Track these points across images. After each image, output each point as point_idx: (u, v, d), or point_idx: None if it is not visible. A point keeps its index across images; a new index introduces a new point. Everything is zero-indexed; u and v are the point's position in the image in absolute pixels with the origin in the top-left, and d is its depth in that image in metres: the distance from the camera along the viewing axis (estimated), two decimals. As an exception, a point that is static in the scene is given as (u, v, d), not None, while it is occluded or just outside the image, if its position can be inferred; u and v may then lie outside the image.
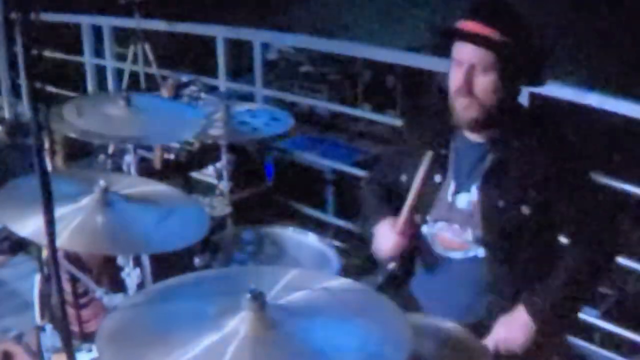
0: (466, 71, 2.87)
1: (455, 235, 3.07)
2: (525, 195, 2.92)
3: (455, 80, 2.92)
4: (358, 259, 4.63)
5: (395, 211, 3.18)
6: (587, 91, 4.37)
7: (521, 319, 2.90)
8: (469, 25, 2.86)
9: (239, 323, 2.08)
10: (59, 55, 8.03)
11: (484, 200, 2.99)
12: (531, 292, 2.93)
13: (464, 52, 2.89)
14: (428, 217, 3.13)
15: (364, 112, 8.85)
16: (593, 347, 4.43)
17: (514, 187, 2.93)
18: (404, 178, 3.19)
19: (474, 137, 3.05)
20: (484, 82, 2.87)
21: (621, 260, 4.22)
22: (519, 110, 3.08)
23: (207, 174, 5.38)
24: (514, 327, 2.91)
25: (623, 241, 3.42)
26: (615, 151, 8.07)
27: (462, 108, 2.93)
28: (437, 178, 3.10)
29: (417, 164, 3.10)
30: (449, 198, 3.08)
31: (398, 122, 5.38)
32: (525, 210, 2.91)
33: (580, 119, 4.91)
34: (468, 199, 3.04)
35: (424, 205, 3.12)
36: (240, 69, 7.64)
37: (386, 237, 3.13)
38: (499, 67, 2.84)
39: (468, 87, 2.88)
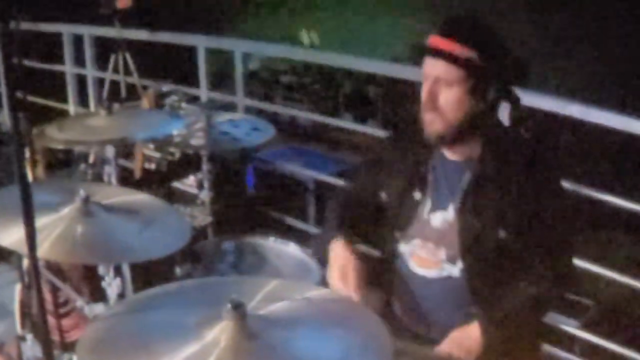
0: (431, 85, 2.88)
1: (429, 254, 3.05)
2: (503, 219, 2.90)
3: (423, 95, 2.93)
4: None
5: (364, 227, 3.19)
6: (569, 102, 4.39)
7: (473, 333, 2.86)
8: (435, 40, 2.87)
9: (220, 333, 2.08)
10: (39, 64, 8.01)
11: (460, 222, 2.98)
12: (487, 309, 2.92)
13: (429, 67, 2.90)
14: (405, 234, 3.12)
15: (345, 122, 8.86)
16: (574, 358, 4.44)
17: (491, 210, 2.92)
18: (383, 196, 3.19)
19: (452, 155, 3.05)
20: (448, 96, 2.87)
21: (602, 270, 4.24)
22: (497, 128, 3.04)
23: (188, 184, 5.37)
24: (464, 340, 2.89)
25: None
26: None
27: (428, 123, 2.93)
28: (416, 195, 3.09)
29: (398, 182, 3.11)
30: (425, 216, 3.07)
31: (379, 132, 5.38)
32: (502, 234, 2.89)
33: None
34: (443, 217, 3.02)
35: (402, 222, 3.12)
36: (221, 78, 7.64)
37: (340, 281, 2.97)
38: (464, 82, 2.84)
39: (433, 101, 2.89)
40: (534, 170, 2.92)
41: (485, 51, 2.84)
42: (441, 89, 2.87)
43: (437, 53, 2.86)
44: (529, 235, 2.90)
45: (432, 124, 2.92)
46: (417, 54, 2.97)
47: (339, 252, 3.04)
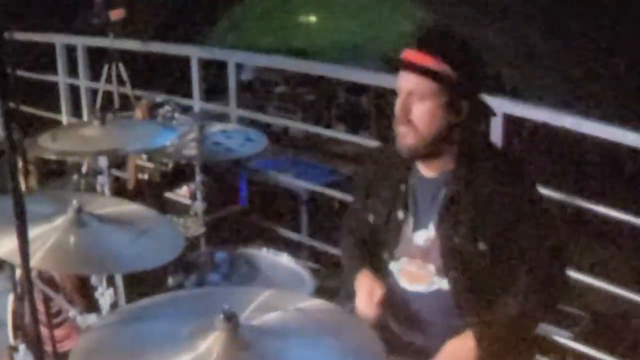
0: (404, 98, 2.90)
1: (418, 269, 3.06)
2: (481, 232, 2.90)
3: (396, 108, 2.94)
4: (332, 280, 4.63)
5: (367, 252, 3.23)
6: (562, 113, 4.40)
7: (467, 344, 2.86)
8: (408, 54, 2.88)
9: (212, 343, 2.08)
10: (32, 74, 8.01)
11: (440, 237, 2.98)
12: (482, 318, 2.92)
13: (403, 80, 2.91)
14: (392, 254, 3.13)
15: (338, 133, 8.85)
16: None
17: (469, 224, 2.92)
18: (371, 219, 3.20)
19: (427, 172, 3.05)
20: (421, 110, 2.87)
21: (594, 281, 4.24)
22: (471, 141, 3.03)
23: (181, 195, 5.37)
24: (459, 351, 2.89)
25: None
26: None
27: (401, 136, 2.94)
28: (400, 214, 3.09)
29: (382, 202, 3.14)
30: (409, 234, 3.08)
31: (372, 143, 5.39)
32: (482, 246, 2.89)
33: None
34: (426, 235, 3.03)
35: (389, 242, 3.13)
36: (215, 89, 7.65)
37: (366, 304, 3.06)
38: (437, 96, 2.85)
39: (405, 115, 2.90)
40: (508, 181, 2.93)
41: (459, 64, 2.85)
42: (414, 103, 2.88)
43: (410, 67, 2.87)
44: (509, 245, 2.91)
45: (405, 137, 2.93)
46: (392, 67, 3.00)
47: (367, 280, 3.10)
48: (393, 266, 3.13)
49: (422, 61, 2.83)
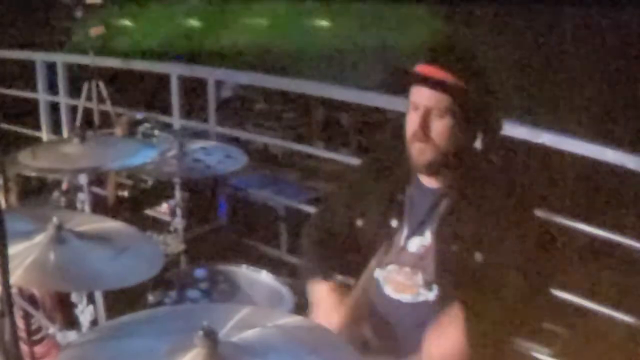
0: (422, 115, 2.89)
1: (406, 279, 3.06)
2: (479, 242, 2.91)
3: (411, 124, 2.93)
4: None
5: (338, 256, 3.21)
6: (542, 130, 4.43)
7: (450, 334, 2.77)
8: (425, 69, 2.88)
9: (192, 360, 2.09)
10: (12, 91, 8.00)
11: (437, 245, 2.99)
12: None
13: (421, 96, 2.90)
14: (381, 261, 3.12)
15: (318, 150, 8.87)
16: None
17: (468, 233, 2.92)
18: (359, 223, 3.20)
19: (429, 182, 3.06)
20: (440, 126, 2.88)
21: (573, 298, 4.26)
22: (474, 155, 3.06)
23: (160, 211, 5.37)
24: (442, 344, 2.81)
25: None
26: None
27: (418, 152, 2.94)
28: (393, 223, 3.10)
29: (374, 210, 3.13)
30: (402, 242, 3.08)
31: (352, 160, 5.40)
32: (479, 257, 2.90)
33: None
34: (420, 242, 3.04)
35: (380, 250, 3.12)
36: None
37: (327, 315, 3.02)
38: (455, 111, 2.86)
39: (424, 131, 2.89)
40: (508, 195, 2.95)
41: (472, 79, 2.87)
42: (432, 119, 2.88)
43: (429, 82, 2.86)
44: (503, 258, 2.90)
45: (423, 153, 2.94)
46: (403, 82, 2.99)
47: (322, 294, 3.08)
48: (379, 274, 3.13)
49: (441, 76, 2.84)
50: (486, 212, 2.92)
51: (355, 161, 5.04)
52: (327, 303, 3.06)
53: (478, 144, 3.02)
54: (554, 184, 8.47)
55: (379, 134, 9.14)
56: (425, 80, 2.88)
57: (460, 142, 2.93)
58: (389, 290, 3.11)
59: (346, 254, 3.23)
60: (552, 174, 8.55)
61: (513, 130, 4.44)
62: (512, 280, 2.90)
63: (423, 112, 2.89)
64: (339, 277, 3.18)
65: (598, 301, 4.29)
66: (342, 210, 3.32)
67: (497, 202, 2.93)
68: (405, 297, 3.07)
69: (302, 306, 3.72)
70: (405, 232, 3.09)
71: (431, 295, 3.01)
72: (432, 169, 2.99)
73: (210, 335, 2.11)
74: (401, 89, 3.04)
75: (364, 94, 5.61)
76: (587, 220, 4.36)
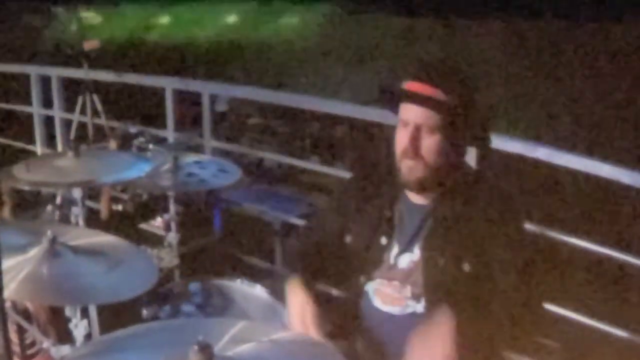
0: (412, 132, 2.87)
1: (394, 291, 3.05)
2: (466, 253, 2.90)
3: (401, 141, 2.92)
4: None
5: (323, 268, 3.19)
6: (536, 145, 4.44)
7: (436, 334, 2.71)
8: (414, 85, 2.86)
9: (187, 374, 2.08)
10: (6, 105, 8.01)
11: (425, 259, 2.98)
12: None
13: (410, 113, 2.88)
14: (370, 277, 3.11)
15: (312, 164, 8.87)
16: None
17: (455, 246, 2.92)
18: (348, 239, 3.18)
19: (417, 199, 3.05)
20: (430, 143, 2.87)
21: (567, 312, 4.26)
22: (464, 170, 3.07)
23: (155, 225, 5.36)
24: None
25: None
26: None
27: (408, 169, 2.92)
28: (383, 240, 3.09)
29: (363, 227, 3.12)
30: (391, 260, 3.07)
31: (347, 175, 5.41)
32: (466, 267, 2.89)
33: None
34: (410, 258, 3.03)
35: (368, 266, 3.12)
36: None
37: (298, 323, 2.97)
38: (444, 128, 2.84)
39: (414, 148, 2.88)
40: (497, 209, 2.93)
41: (462, 95, 2.86)
42: (423, 136, 2.87)
43: (419, 99, 2.85)
44: (490, 269, 2.89)
45: (413, 170, 2.92)
46: (393, 98, 2.98)
47: (296, 295, 3.03)
48: (368, 286, 3.12)
49: (431, 93, 2.83)
50: (475, 226, 2.92)
51: (349, 175, 5.05)
52: (300, 305, 3.00)
53: (471, 160, 3.02)
54: (548, 198, 8.48)
55: (368, 150, 9.16)
56: (415, 98, 2.87)
57: (451, 158, 2.93)
58: (378, 303, 3.10)
59: (332, 267, 3.21)
60: (546, 188, 8.57)
61: (507, 144, 4.44)
62: (501, 292, 2.90)
63: (413, 129, 2.88)
64: (323, 287, 3.17)
65: (592, 315, 4.29)
66: (330, 225, 3.30)
67: (486, 217, 2.92)
68: (394, 309, 3.06)
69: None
70: (395, 249, 3.08)
71: (419, 307, 3.01)
72: (422, 186, 2.98)
73: (205, 350, 2.10)
74: (389, 106, 3.03)
75: (357, 108, 5.62)
76: (582, 234, 4.37)
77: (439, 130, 2.85)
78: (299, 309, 2.99)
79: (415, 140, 2.88)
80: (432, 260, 2.96)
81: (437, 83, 2.84)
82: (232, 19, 20.25)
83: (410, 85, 2.89)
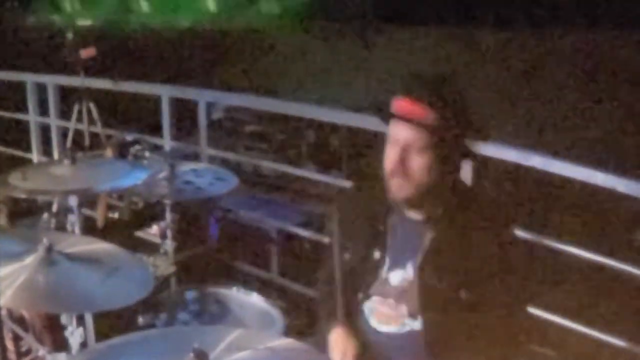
0: (401, 152, 2.86)
1: (390, 309, 3.03)
2: (464, 279, 2.89)
3: (390, 159, 2.90)
4: (302, 319, 4.62)
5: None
6: (531, 153, 4.44)
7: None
8: (404, 104, 2.84)
9: (183, 382, 2.08)
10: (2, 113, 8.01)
11: (421, 280, 2.96)
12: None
13: (400, 132, 2.86)
14: (366, 294, 3.09)
15: (309, 172, 8.86)
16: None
17: (453, 270, 2.90)
18: (347, 257, 3.14)
19: (412, 214, 3.03)
20: (420, 162, 2.84)
21: (563, 321, 4.26)
22: (458, 187, 3.06)
23: (151, 233, 5.36)
24: None
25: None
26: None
27: (397, 187, 2.91)
28: (376, 254, 3.07)
29: (358, 242, 3.10)
30: (384, 275, 3.05)
31: (343, 183, 5.41)
32: (464, 294, 2.88)
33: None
34: (402, 276, 3.01)
35: (364, 281, 3.10)
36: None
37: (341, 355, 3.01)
38: (434, 147, 2.82)
39: (403, 167, 2.86)
40: (494, 228, 2.94)
41: (453, 114, 2.83)
42: (412, 155, 2.85)
43: (409, 119, 2.82)
44: (489, 294, 2.89)
45: (402, 189, 2.90)
46: (383, 116, 2.95)
47: (341, 338, 3.04)
48: (365, 306, 3.11)
49: (421, 113, 2.79)
50: (470, 245, 2.90)
51: (346, 184, 5.05)
52: (343, 345, 3.02)
53: (466, 177, 3.01)
54: (541, 208, 8.48)
55: (363, 159, 9.16)
56: (404, 117, 2.84)
57: (441, 176, 2.90)
58: (375, 323, 3.08)
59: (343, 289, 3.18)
60: (541, 198, 8.58)
61: (503, 153, 4.45)
62: (497, 311, 2.90)
63: (402, 147, 2.86)
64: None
65: (587, 323, 4.30)
66: (335, 249, 3.27)
67: (482, 234, 2.91)
68: (391, 328, 3.04)
69: (292, 328, 3.72)
70: (387, 264, 3.06)
71: (417, 324, 2.99)
72: (412, 204, 2.98)
73: (201, 358, 2.11)
74: (381, 119, 3.01)
75: (354, 116, 5.62)
76: (578, 242, 4.37)
77: (429, 149, 2.83)
78: (342, 347, 3.01)
79: (403, 160, 2.86)
80: (429, 283, 2.94)
81: (427, 102, 2.80)
82: (211, 4, 20.40)
83: (399, 103, 2.86)
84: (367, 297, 3.10)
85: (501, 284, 2.89)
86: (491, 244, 2.90)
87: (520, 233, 4.00)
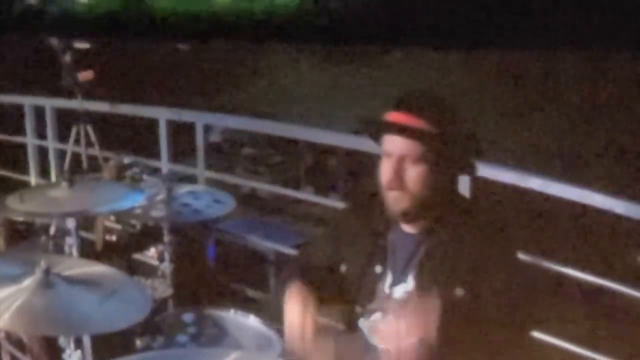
0: (395, 163, 2.86)
1: (389, 326, 3.03)
2: (458, 278, 2.88)
3: (385, 172, 2.91)
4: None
5: (321, 299, 3.08)
6: (530, 174, 4.45)
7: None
8: (396, 116, 2.86)
9: (181, 405, 2.09)
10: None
11: (418, 288, 2.96)
12: None
13: (393, 144, 2.88)
14: (366, 309, 3.09)
15: (306, 195, 8.87)
16: None
17: (447, 272, 2.90)
18: (343, 268, 3.15)
19: (408, 228, 3.04)
20: (415, 173, 2.85)
21: (562, 343, 4.26)
22: (455, 199, 3.07)
23: (149, 256, 5.36)
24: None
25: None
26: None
27: (394, 201, 2.91)
28: (378, 269, 3.07)
29: (358, 255, 3.10)
30: (387, 290, 3.05)
31: (341, 205, 5.41)
32: (459, 291, 2.88)
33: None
34: (405, 289, 3.01)
35: (365, 297, 3.09)
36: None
37: (297, 324, 2.96)
38: (429, 157, 2.83)
39: (399, 180, 2.86)
40: (489, 239, 2.93)
41: (446, 125, 2.84)
42: (407, 167, 2.86)
43: (401, 130, 2.84)
44: (482, 294, 2.87)
45: (399, 202, 2.91)
46: (376, 130, 2.98)
47: (296, 302, 3.00)
48: (363, 323, 3.10)
49: (414, 124, 2.81)
50: (466, 256, 2.90)
51: (343, 206, 5.05)
52: (298, 317, 2.97)
53: (463, 189, 3.01)
54: (540, 227, 8.50)
55: (362, 179, 9.18)
56: (397, 129, 2.86)
57: (437, 188, 2.91)
58: (374, 340, 3.06)
59: (331, 299, 3.19)
60: (540, 218, 8.59)
61: (502, 174, 4.46)
62: (492, 319, 2.88)
63: (396, 160, 2.87)
64: (325, 320, 3.14)
65: (584, 344, 4.30)
66: (325, 254, 3.28)
67: (478, 246, 2.91)
68: (390, 345, 3.04)
69: (289, 351, 3.71)
70: (389, 279, 3.06)
71: (417, 339, 2.98)
72: (409, 217, 2.97)
73: (199, 380, 2.11)
74: (372, 137, 3.03)
75: (351, 138, 5.63)
76: (575, 264, 4.38)
77: (423, 160, 2.84)
78: (298, 317, 2.96)
79: (399, 171, 2.87)
80: (425, 288, 2.93)
81: (419, 113, 2.83)
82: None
83: (392, 116, 2.88)
84: (367, 312, 3.09)
85: (506, 304, 2.88)
86: (491, 260, 2.90)
87: (522, 256, 4.01)
